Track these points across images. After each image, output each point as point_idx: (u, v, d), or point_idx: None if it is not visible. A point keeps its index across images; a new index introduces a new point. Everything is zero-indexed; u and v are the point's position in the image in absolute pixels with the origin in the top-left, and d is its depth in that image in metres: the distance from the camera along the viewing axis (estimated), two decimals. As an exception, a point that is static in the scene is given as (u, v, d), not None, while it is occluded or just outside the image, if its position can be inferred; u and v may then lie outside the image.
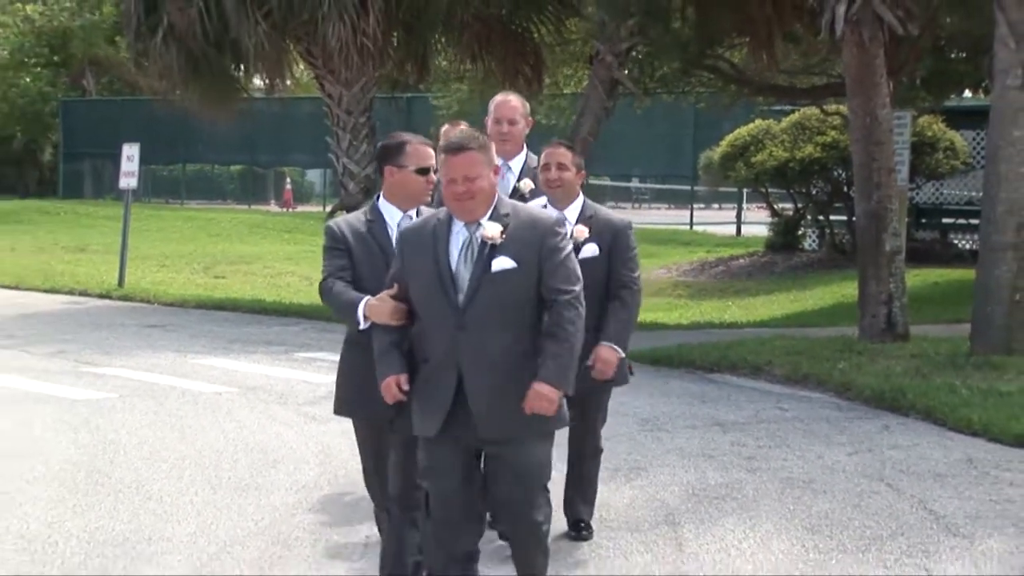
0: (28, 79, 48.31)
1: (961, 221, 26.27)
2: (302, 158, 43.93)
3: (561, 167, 7.30)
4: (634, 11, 18.35)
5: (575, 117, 20.33)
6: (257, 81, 23.47)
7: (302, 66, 23.01)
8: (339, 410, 6.45)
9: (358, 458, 6.54)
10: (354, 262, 6.20)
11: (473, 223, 5.75)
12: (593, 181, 35.88)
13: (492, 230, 5.70)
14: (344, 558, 7.36)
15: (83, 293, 22.31)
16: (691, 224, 34.53)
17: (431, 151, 6.23)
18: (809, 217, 27.27)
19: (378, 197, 6.37)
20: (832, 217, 26.32)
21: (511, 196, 7.30)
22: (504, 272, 5.68)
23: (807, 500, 8.56)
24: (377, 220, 6.25)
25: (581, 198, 7.38)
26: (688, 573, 7.12)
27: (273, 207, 44.03)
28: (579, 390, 6.12)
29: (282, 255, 29.29)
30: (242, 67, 20.49)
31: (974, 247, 22.27)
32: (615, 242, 7.27)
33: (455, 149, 5.72)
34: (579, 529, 7.68)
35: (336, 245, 6.23)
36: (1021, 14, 13.34)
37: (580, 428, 7.45)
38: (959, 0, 16.84)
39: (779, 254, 26.55)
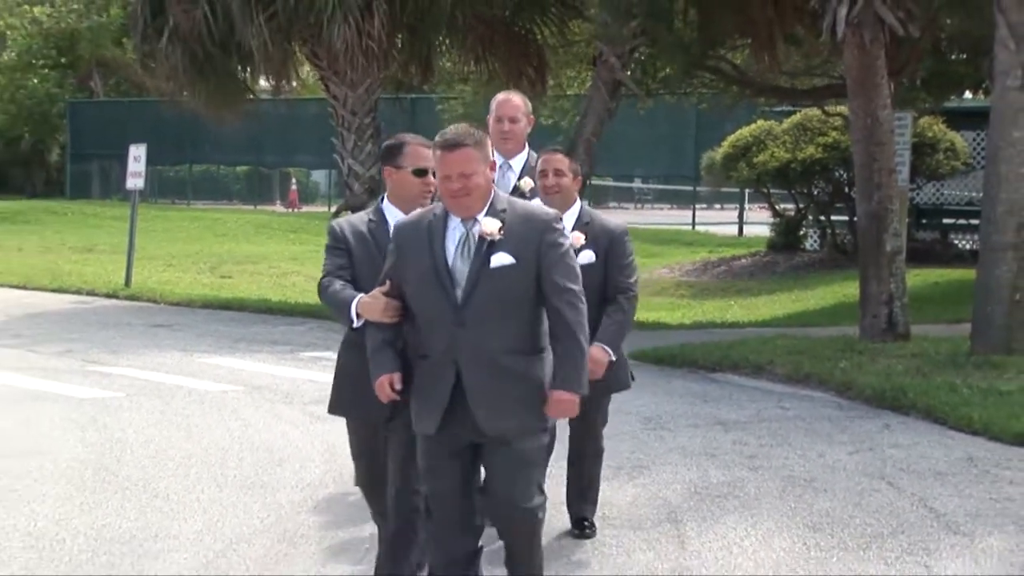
0: (36, 80, 48.46)
1: (961, 221, 26.31)
2: (307, 159, 44.01)
3: (558, 173, 7.30)
4: (637, 13, 18.38)
5: (578, 118, 20.38)
6: (263, 82, 23.54)
7: (307, 67, 23.06)
8: (334, 410, 6.44)
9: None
10: (353, 262, 6.19)
11: (469, 219, 5.72)
12: (596, 182, 36.01)
13: (491, 226, 5.66)
14: (349, 555, 7.36)
15: (90, 293, 22.32)
16: (693, 224, 34.57)
17: (430, 152, 6.12)
18: (810, 217, 27.31)
19: (382, 198, 6.38)
20: (833, 217, 26.37)
21: (511, 195, 7.19)
22: (503, 268, 5.64)
23: (808, 498, 8.56)
24: (379, 221, 6.24)
25: (578, 204, 7.36)
26: (690, 570, 7.12)
27: (279, 207, 44.08)
28: None
29: (288, 255, 29.29)
30: (247, 68, 20.52)
31: (974, 247, 22.30)
32: (611, 248, 7.22)
33: (451, 146, 5.66)
34: (582, 527, 7.69)
35: (337, 244, 6.24)
36: (1021, 16, 13.36)
37: (580, 429, 7.48)
38: (959, 2, 16.83)
39: (781, 254, 26.59)
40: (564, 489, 7.83)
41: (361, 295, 5.98)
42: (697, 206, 37.00)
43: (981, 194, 15.81)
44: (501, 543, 6.10)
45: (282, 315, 19.50)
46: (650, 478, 9.11)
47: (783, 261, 26.04)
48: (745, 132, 26.73)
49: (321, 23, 17.99)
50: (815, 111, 25.48)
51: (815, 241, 27.30)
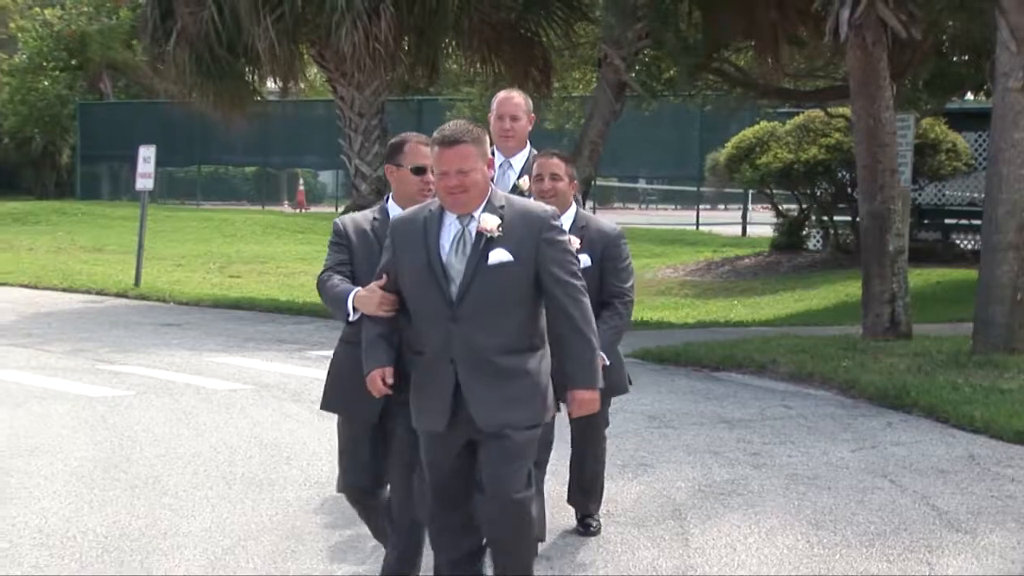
0: (47, 82, 48.55)
1: (963, 222, 26.35)
2: (315, 160, 44.06)
3: (554, 177, 7.21)
4: (642, 15, 18.44)
5: (584, 121, 20.44)
6: (270, 84, 23.61)
7: (315, 69, 23.12)
8: (326, 406, 6.42)
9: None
10: (354, 259, 6.19)
11: (465, 216, 5.68)
12: (601, 182, 36.06)
13: (490, 223, 5.62)
14: (356, 553, 7.36)
15: (100, 292, 22.42)
16: (697, 224, 34.60)
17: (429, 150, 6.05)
18: (813, 218, 27.36)
19: (388, 197, 6.38)
20: (836, 218, 26.45)
21: (511, 192, 7.22)
22: (500, 265, 5.61)
23: (811, 496, 8.57)
24: (383, 220, 6.21)
25: (574, 208, 7.28)
26: (694, 567, 7.13)
27: (286, 208, 44.06)
28: None
29: (295, 255, 29.29)
30: (255, 70, 20.59)
31: (976, 247, 22.33)
32: (607, 252, 7.20)
33: (448, 142, 5.62)
34: (587, 525, 7.71)
35: (339, 240, 6.24)
36: (1022, 18, 13.38)
37: (583, 431, 7.48)
38: (961, 4, 16.82)
39: (784, 254, 26.65)
40: (566, 488, 7.85)
41: (357, 289, 5.97)
42: (701, 207, 37.00)
43: (983, 195, 15.85)
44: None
45: (290, 314, 19.55)
46: (654, 476, 9.12)
47: (786, 261, 26.09)
48: (749, 133, 26.79)
49: (329, 26, 18.07)
50: (818, 112, 25.53)
51: (818, 241, 27.36)
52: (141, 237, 23.29)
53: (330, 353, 6.56)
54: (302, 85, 22.34)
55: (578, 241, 6.95)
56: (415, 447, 5.99)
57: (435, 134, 5.75)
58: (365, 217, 6.33)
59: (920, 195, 25.70)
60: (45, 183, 50.21)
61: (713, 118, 31.19)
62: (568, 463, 7.85)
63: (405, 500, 6.18)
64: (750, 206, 34.78)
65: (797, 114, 26.61)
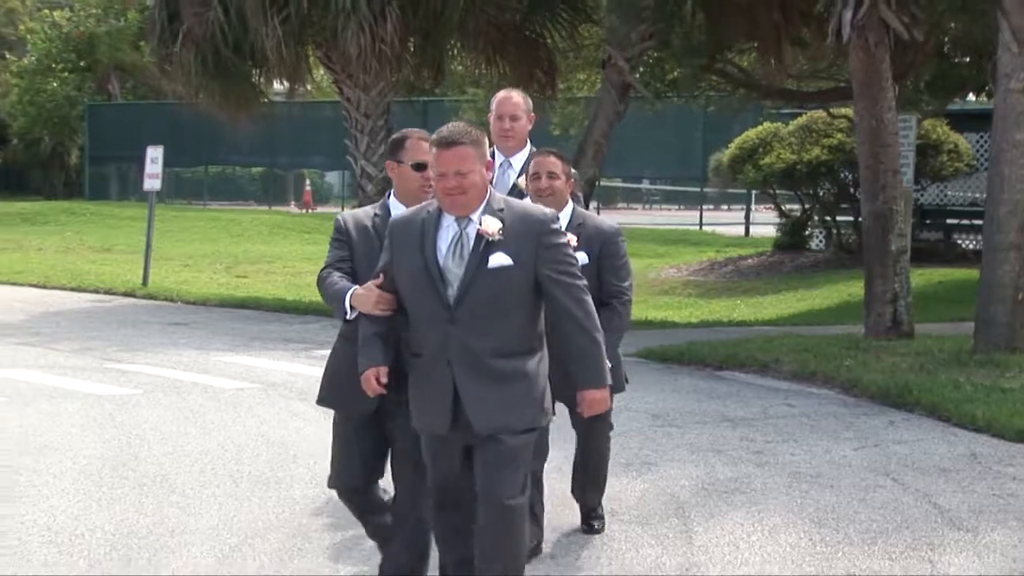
0: (55, 84, 48.70)
1: (965, 222, 26.37)
2: (321, 160, 44.10)
3: (551, 176, 7.18)
4: (646, 17, 18.48)
5: (588, 122, 20.48)
6: (277, 85, 23.66)
7: (321, 70, 23.15)
8: (321, 401, 6.39)
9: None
10: (354, 255, 6.15)
11: (464, 218, 5.61)
12: (605, 183, 36.07)
13: (492, 226, 5.55)
14: (362, 551, 7.32)
15: (108, 292, 22.53)
16: (700, 225, 34.59)
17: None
18: (816, 218, 27.38)
19: (389, 194, 6.33)
20: (839, 218, 26.49)
21: (511, 192, 7.33)
22: (500, 269, 5.54)
23: (814, 494, 8.59)
24: (384, 216, 6.17)
25: (570, 206, 7.25)
26: (698, 565, 7.14)
27: (293, 208, 44.10)
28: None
29: (302, 255, 29.28)
30: (261, 71, 20.62)
31: (977, 247, 22.36)
32: (604, 249, 7.18)
33: (447, 143, 5.55)
34: (590, 523, 7.74)
35: (339, 237, 6.20)
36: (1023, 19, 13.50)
37: (588, 430, 7.47)
38: (963, 6, 16.86)
39: (787, 254, 26.67)
40: (568, 488, 7.88)
41: (355, 287, 5.93)
42: (704, 207, 36.99)
43: (984, 195, 15.90)
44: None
45: (296, 314, 19.61)
46: (658, 474, 9.15)
47: (789, 261, 26.12)
48: (752, 134, 26.82)
49: (335, 28, 18.12)
50: (821, 113, 25.54)
51: (821, 241, 27.39)
52: (149, 237, 23.37)
53: (335, 352, 6.53)
54: (309, 86, 22.33)
55: (575, 239, 6.88)
56: (417, 445, 5.95)
57: (433, 136, 5.69)
58: (366, 213, 6.29)
59: (922, 195, 25.71)
60: (54, 184, 50.40)
61: (716, 119, 31.26)
62: (571, 460, 7.85)
63: (409, 498, 6.16)
64: (753, 206, 34.76)
65: (800, 115, 26.62)
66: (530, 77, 20.26)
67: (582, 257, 6.87)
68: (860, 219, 18.70)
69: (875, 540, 7.59)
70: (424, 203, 5.87)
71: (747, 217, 33.85)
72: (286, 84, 21.52)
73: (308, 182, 46.26)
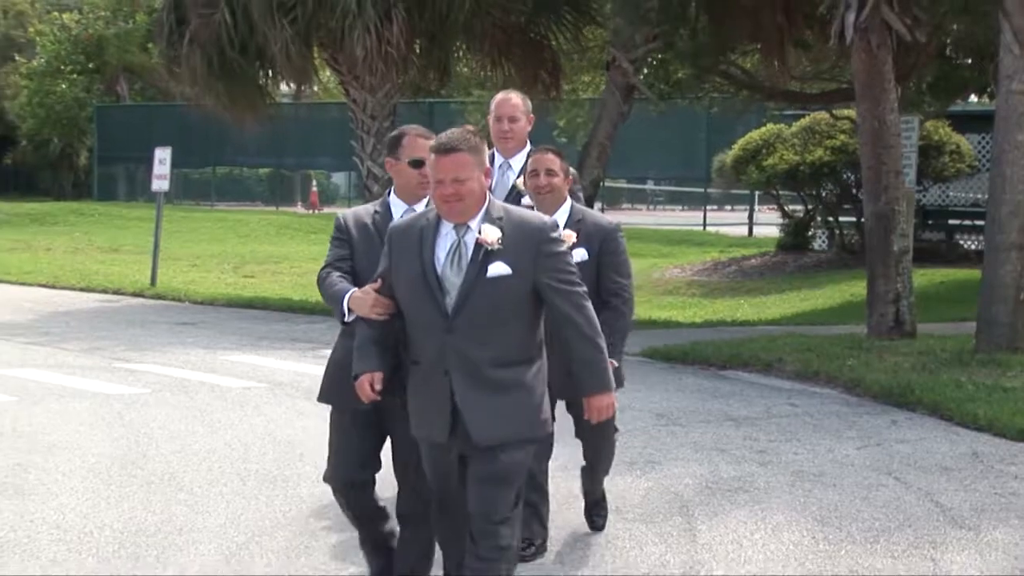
0: (64, 85, 48.90)
1: (967, 222, 26.38)
2: (328, 161, 44.18)
3: (550, 173, 7.07)
4: (650, 19, 18.52)
5: (592, 124, 20.53)
6: (284, 87, 23.72)
7: (328, 72, 23.19)
8: (321, 397, 6.33)
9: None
10: (355, 253, 6.10)
11: (462, 226, 5.49)
12: (609, 184, 36.12)
13: (491, 235, 5.42)
14: None
15: (117, 292, 22.60)
16: (704, 225, 34.65)
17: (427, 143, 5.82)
18: (819, 218, 27.39)
19: (390, 191, 6.28)
20: (841, 218, 26.50)
21: (509, 193, 7.32)
22: (499, 278, 5.41)
23: (817, 493, 8.60)
24: (384, 213, 6.13)
25: (569, 202, 7.14)
26: (701, 563, 7.15)
27: (300, 209, 44.12)
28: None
29: (308, 255, 29.20)
30: (268, 73, 20.67)
31: (979, 248, 22.41)
32: (604, 245, 7.06)
33: (445, 150, 5.40)
34: (594, 516, 7.72)
35: (340, 235, 6.15)
36: (1025, 20, 13.53)
37: (592, 429, 7.19)
38: (965, 7, 16.87)
39: (790, 254, 26.69)
40: (573, 485, 7.91)
41: (354, 289, 5.85)
42: (708, 207, 37.08)
43: (986, 195, 15.92)
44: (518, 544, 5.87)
45: (303, 313, 19.65)
46: (662, 472, 9.16)
47: (792, 261, 26.14)
48: (755, 135, 26.84)
49: (341, 30, 18.15)
50: (823, 115, 25.56)
51: (823, 241, 27.41)
52: (157, 237, 23.44)
53: (342, 352, 6.53)
54: (315, 88, 22.39)
55: (574, 235, 6.89)
56: (418, 447, 5.87)
57: (432, 142, 5.58)
58: (367, 211, 6.24)
59: (924, 196, 25.74)
60: (63, 184, 50.54)
61: (720, 120, 31.30)
62: (575, 458, 7.84)
63: (413, 499, 6.15)
64: (756, 207, 34.80)
65: (803, 116, 26.63)
66: (535, 79, 20.31)
67: (582, 253, 6.88)
68: (863, 220, 18.73)
69: (878, 538, 7.60)
70: (424, 210, 5.81)
71: (750, 218, 33.87)
72: (293, 86, 21.58)
73: (315, 183, 46.31)
